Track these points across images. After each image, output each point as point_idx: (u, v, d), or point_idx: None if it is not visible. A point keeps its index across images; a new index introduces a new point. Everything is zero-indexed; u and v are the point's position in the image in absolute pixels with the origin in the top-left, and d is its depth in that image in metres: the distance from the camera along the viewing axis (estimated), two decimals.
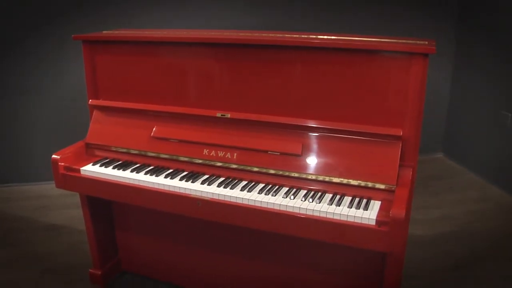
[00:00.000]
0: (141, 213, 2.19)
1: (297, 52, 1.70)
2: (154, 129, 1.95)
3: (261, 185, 1.74)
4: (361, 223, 1.48)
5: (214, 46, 1.85)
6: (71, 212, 3.02)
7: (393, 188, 1.57)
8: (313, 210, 1.53)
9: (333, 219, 1.51)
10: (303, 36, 1.85)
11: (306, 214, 1.54)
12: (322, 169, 1.67)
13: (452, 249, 2.58)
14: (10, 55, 3.26)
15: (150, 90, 2.01)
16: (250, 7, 3.50)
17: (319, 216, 1.52)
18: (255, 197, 1.63)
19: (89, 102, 2.10)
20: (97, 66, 2.07)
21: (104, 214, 2.24)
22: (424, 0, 3.71)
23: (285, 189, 1.70)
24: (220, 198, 1.67)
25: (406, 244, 2.58)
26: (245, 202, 1.63)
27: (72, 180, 1.95)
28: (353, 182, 1.63)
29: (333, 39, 1.74)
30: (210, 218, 1.71)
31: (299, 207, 1.55)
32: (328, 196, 1.64)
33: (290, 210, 1.56)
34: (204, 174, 1.85)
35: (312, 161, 1.69)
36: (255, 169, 1.77)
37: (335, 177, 1.65)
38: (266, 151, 1.75)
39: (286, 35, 1.88)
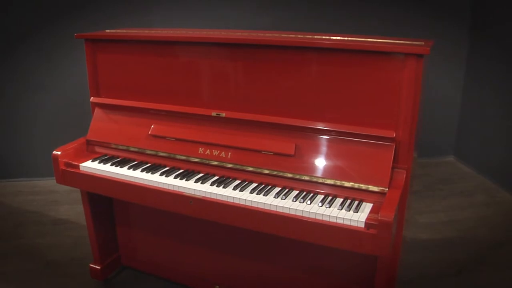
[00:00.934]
0: (141, 209, 2.22)
1: (289, 52, 1.69)
2: (152, 127, 1.97)
3: (254, 185, 1.74)
4: (349, 225, 1.46)
5: (210, 45, 1.86)
6: (79, 207, 3.07)
7: (385, 191, 1.55)
8: (302, 211, 1.53)
9: (322, 220, 1.50)
10: (291, 36, 1.85)
11: (295, 215, 1.53)
12: (315, 170, 1.66)
13: (456, 255, 2.53)
14: (16, 52, 3.35)
15: (149, 88, 2.03)
16: (249, 8, 3.52)
17: (308, 217, 1.52)
18: (246, 197, 1.64)
19: (91, 100, 2.13)
20: (98, 64, 2.11)
21: (105, 210, 2.28)
22: (436, 6, 3.66)
23: (277, 189, 1.70)
24: (212, 197, 1.68)
25: (411, 248, 2.61)
26: (236, 202, 1.64)
27: (71, 176, 1.99)
28: (347, 184, 1.62)
29: (324, 39, 1.73)
30: (202, 216, 1.72)
31: (289, 208, 1.55)
32: (320, 197, 1.63)
33: (280, 210, 1.56)
34: (199, 173, 1.86)
35: (305, 162, 1.68)
36: (250, 168, 1.77)
37: (328, 178, 1.64)
38: (259, 151, 1.75)
39: (282, 35, 1.87)
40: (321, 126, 1.66)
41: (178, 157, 1.92)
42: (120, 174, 1.89)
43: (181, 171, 1.88)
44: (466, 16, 3.72)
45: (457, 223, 2.89)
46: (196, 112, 1.88)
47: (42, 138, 3.51)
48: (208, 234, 2.08)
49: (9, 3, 3.23)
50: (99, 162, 2.00)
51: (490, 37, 3.51)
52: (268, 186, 1.72)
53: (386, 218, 1.38)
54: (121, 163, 1.98)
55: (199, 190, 1.71)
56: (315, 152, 1.68)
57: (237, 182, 1.77)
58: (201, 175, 1.84)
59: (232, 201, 1.65)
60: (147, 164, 1.97)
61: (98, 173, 1.94)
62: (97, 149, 2.13)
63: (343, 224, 1.47)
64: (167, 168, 1.91)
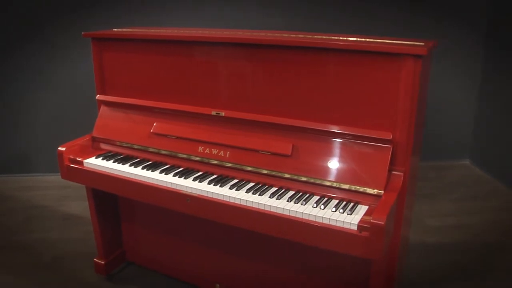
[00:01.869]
0: (145, 206, 2.25)
1: (286, 52, 1.68)
2: (154, 125, 1.99)
3: (250, 184, 1.74)
4: (342, 228, 1.45)
5: (210, 45, 1.87)
6: None
7: (381, 193, 1.53)
8: (296, 211, 1.52)
9: (315, 221, 1.49)
10: (290, 35, 1.84)
11: (288, 215, 1.53)
12: (313, 171, 1.65)
13: (463, 259, 2.48)
14: (22, 49, 3.44)
15: (153, 86, 2.05)
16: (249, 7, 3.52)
17: (301, 218, 1.51)
18: (241, 196, 1.64)
19: (97, 97, 2.17)
20: (104, 63, 2.14)
21: (110, 205, 2.32)
22: (453, 10, 3.59)
23: (273, 189, 1.69)
24: (208, 196, 1.69)
25: (417, 251, 2.56)
26: (231, 201, 1.64)
27: (75, 172, 2.02)
28: (344, 185, 1.60)
29: (321, 38, 1.71)
30: (198, 214, 1.73)
31: (282, 208, 1.54)
32: (315, 198, 1.62)
33: (274, 210, 1.56)
34: (198, 171, 1.88)
35: (302, 162, 1.67)
36: (248, 168, 1.77)
37: (325, 179, 1.63)
38: (257, 151, 1.74)
39: (284, 35, 1.87)
40: (319, 127, 1.65)
41: (180, 155, 1.93)
42: (121, 171, 1.92)
43: (180, 169, 1.90)
44: (483, 20, 3.63)
45: (467, 228, 2.83)
46: (196, 111, 1.89)
47: (56, 134, 3.59)
48: (208, 233, 2.09)
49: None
50: (102, 159, 2.03)
51: (507, 41, 3.41)
52: (265, 186, 1.72)
53: (378, 221, 1.36)
54: (123, 160, 2.01)
55: (196, 189, 1.72)
56: (313, 153, 1.66)
57: (235, 181, 1.77)
58: (200, 173, 1.85)
59: (227, 200, 1.65)
60: (149, 161, 1.99)
61: (101, 169, 1.97)
62: (102, 146, 2.16)
63: (335, 226, 1.46)
64: (167, 166, 1.93)
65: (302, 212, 1.51)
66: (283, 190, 1.69)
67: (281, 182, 1.72)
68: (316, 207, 1.55)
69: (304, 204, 1.56)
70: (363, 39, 1.67)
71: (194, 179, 1.79)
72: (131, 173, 1.89)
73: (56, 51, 3.46)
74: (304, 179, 1.67)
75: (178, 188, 1.76)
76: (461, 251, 2.56)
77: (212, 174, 1.84)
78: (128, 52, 2.08)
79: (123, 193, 1.99)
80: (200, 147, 1.87)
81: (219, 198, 1.67)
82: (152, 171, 1.89)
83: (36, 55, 3.45)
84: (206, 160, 1.86)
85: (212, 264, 2.13)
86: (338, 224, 1.46)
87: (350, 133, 1.60)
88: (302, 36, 1.80)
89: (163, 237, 2.26)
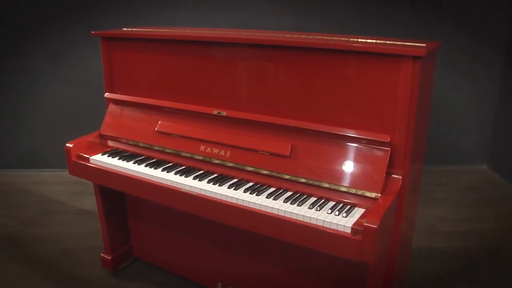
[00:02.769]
0: (152, 204, 2.28)
1: (284, 52, 1.68)
2: (159, 123, 2.02)
3: (249, 184, 1.75)
4: (336, 230, 1.44)
5: (211, 45, 1.89)
6: None
7: (378, 197, 1.51)
8: (290, 212, 1.52)
9: (309, 223, 1.48)
10: (286, 35, 1.83)
11: (284, 216, 1.52)
12: (311, 172, 1.65)
13: (472, 267, 2.42)
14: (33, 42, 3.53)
15: (160, 85, 2.08)
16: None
17: (296, 219, 1.50)
18: (239, 196, 1.65)
19: (105, 95, 2.21)
20: (113, 61, 2.18)
21: (118, 202, 2.36)
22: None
23: (271, 190, 1.70)
24: (206, 194, 1.70)
25: (425, 256, 2.51)
26: (229, 200, 1.65)
27: (82, 168, 2.07)
28: (342, 188, 1.59)
29: (313, 39, 1.70)
30: (197, 213, 1.74)
31: (278, 209, 1.54)
32: (312, 199, 1.61)
33: (269, 211, 1.56)
34: (200, 170, 1.89)
35: (300, 163, 1.67)
36: (249, 168, 1.78)
37: (324, 181, 1.62)
38: (256, 151, 1.75)
39: (286, 35, 1.86)
40: (318, 128, 1.64)
41: (183, 154, 1.95)
42: (125, 168, 1.96)
43: (182, 167, 1.92)
44: (504, 26, 3.54)
45: (479, 234, 2.76)
46: (199, 110, 1.91)
47: (69, 130, 3.66)
48: (211, 232, 2.10)
49: None
50: (108, 156, 2.07)
51: None
52: (264, 186, 1.72)
53: (371, 224, 1.34)
54: (128, 157, 2.05)
55: (195, 187, 1.74)
56: (311, 154, 1.66)
57: (234, 180, 1.78)
58: (201, 172, 1.87)
59: (225, 199, 1.66)
60: (153, 159, 2.02)
61: (105, 166, 2.01)
62: (110, 143, 2.21)
63: (329, 228, 1.45)
64: (170, 164, 1.96)
65: (297, 213, 1.51)
66: (281, 190, 1.69)
67: (280, 182, 1.72)
68: (311, 208, 1.54)
69: (300, 205, 1.56)
70: (362, 40, 1.65)
71: (194, 178, 1.81)
72: (134, 171, 1.93)
73: (69, 48, 3.55)
74: (303, 180, 1.66)
75: (178, 186, 1.78)
76: (470, 259, 2.50)
77: (213, 173, 1.85)
78: (137, 52, 2.12)
79: (126, 189, 2.03)
80: (202, 146, 1.88)
81: (217, 197, 1.68)
82: (154, 169, 1.92)
83: (49, 52, 3.55)
84: (208, 159, 1.88)
85: (214, 263, 2.15)
86: (332, 226, 1.45)
87: (348, 135, 1.59)
88: (304, 36, 1.79)
89: (168, 234, 2.28)
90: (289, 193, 1.67)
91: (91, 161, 2.05)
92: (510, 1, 3.47)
